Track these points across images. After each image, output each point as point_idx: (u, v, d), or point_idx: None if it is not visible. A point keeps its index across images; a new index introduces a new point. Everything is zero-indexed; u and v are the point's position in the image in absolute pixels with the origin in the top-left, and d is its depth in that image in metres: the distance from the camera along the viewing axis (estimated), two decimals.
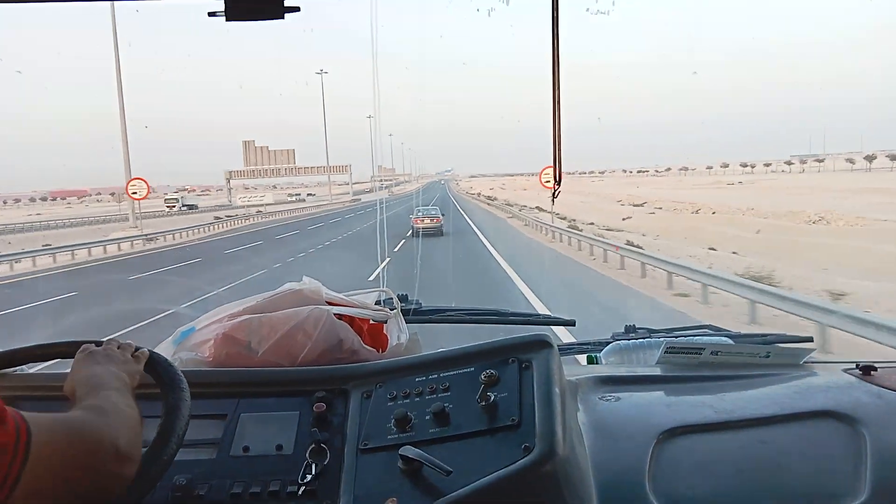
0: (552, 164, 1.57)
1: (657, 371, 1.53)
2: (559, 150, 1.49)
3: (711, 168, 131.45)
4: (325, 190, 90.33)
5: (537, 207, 40.36)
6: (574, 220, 31.08)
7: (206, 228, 37.02)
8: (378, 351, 1.45)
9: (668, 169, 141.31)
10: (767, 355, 1.54)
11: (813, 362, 1.57)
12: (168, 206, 65.92)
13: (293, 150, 76.24)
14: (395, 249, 20.89)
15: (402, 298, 1.82)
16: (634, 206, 51.58)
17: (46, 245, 26.46)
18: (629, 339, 1.77)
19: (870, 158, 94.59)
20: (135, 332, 8.51)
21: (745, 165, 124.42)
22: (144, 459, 0.97)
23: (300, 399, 1.28)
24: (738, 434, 1.23)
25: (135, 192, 29.97)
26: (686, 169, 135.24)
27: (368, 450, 1.17)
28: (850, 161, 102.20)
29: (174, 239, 31.52)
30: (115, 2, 1.42)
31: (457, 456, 1.07)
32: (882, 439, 1.18)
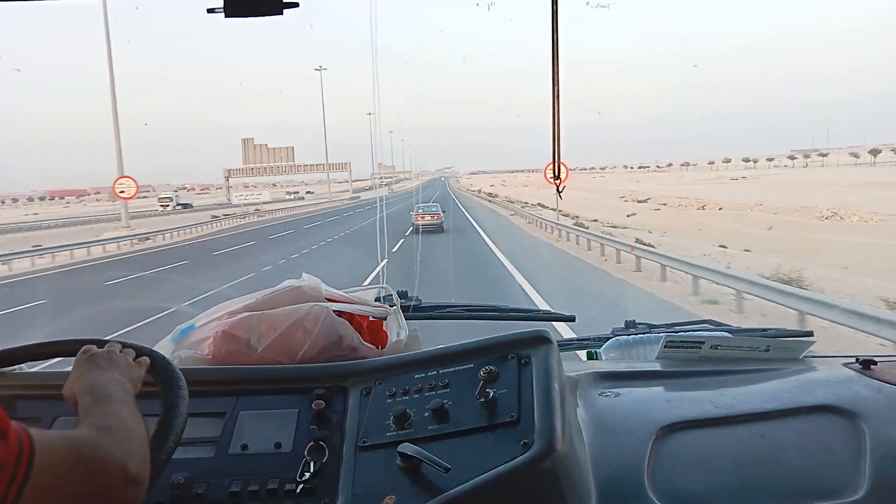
0: (559, 159, 1.52)
1: (657, 366, 1.52)
2: (558, 145, 1.48)
3: (713, 163, 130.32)
4: (324, 188, 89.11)
5: (539, 204, 39.77)
6: (577, 217, 29.91)
7: (200, 228, 36.08)
8: (378, 348, 1.44)
9: (670, 164, 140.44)
10: (767, 349, 1.52)
11: (813, 356, 1.56)
12: (162, 205, 65.07)
13: (292, 147, 75.96)
14: (394, 249, 19.76)
15: (402, 295, 1.77)
16: (638, 202, 50.74)
17: (36, 246, 25.60)
18: (629, 335, 1.74)
19: (874, 152, 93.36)
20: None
21: (747, 160, 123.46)
22: None
23: (299, 396, 1.27)
24: (738, 429, 1.23)
25: (122, 191, 28.74)
26: (687, 164, 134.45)
27: (367, 447, 1.16)
28: (855, 155, 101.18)
29: (166, 239, 30.45)
30: None
31: (456, 453, 1.07)
32: (881, 433, 1.18)
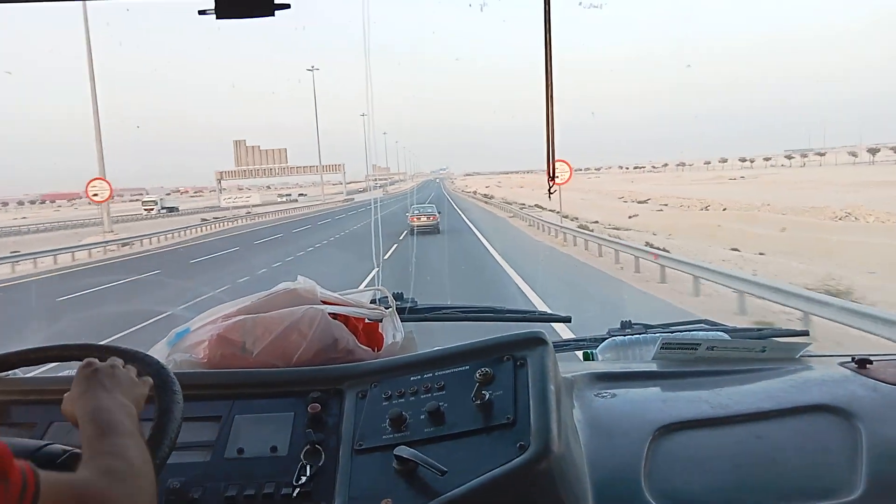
0: (555, 160, 1.54)
1: (653, 367, 1.52)
2: (552, 145, 1.48)
3: (709, 163, 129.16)
4: (319, 190, 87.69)
5: (536, 205, 38.52)
6: (576, 219, 28.55)
7: (186, 232, 34.78)
8: (373, 350, 1.44)
9: (665, 165, 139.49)
10: (763, 350, 1.53)
11: (809, 356, 1.57)
12: (146, 209, 63.55)
13: (285, 149, 75.06)
14: (386, 256, 17.93)
15: (398, 297, 1.75)
16: (638, 202, 49.37)
17: (14, 252, 24.23)
18: (625, 335, 1.75)
19: (873, 151, 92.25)
20: None
21: (743, 160, 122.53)
22: None
23: (295, 400, 1.27)
24: (734, 429, 1.23)
25: (95, 194, 26.90)
26: (683, 164, 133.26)
27: (363, 450, 1.16)
28: (853, 154, 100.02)
29: (149, 244, 29.40)
30: (103, 1, 1.44)
31: (452, 455, 1.08)
32: (877, 433, 1.18)
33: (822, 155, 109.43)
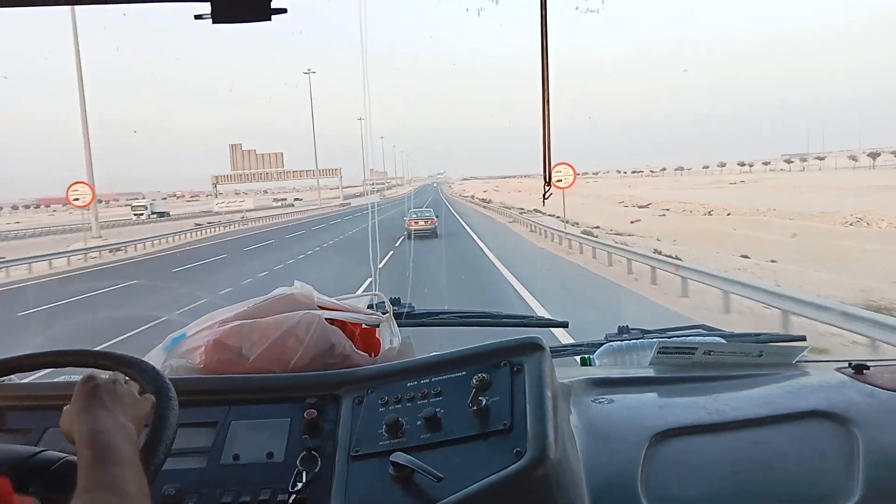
0: (551, 165, 1.50)
1: (650, 372, 1.52)
2: (549, 150, 1.47)
3: (708, 167, 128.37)
4: (315, 194, 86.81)
5: (535, 210, 38.27)
6: (577, 224, 27.42)
7: (173, 238, 33.79)
8: (370, 355, 1.44)
9: (664, 169, 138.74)
10: (760, 354, 1.53)
11: (806, 361, 1.57)
12: (135, 214, 62.08)
13: (281, 153, 75.02)
14: (381, 265, 16.67)
15: (395, 302, 1.77)
16: (639, 207, 48.28)
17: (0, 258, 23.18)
18: (622, 340, 1.75)
19: (873, 155, 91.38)
20: None
21: (742, 164, 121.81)
22: None
23: (291, 405, 1.27)
24: (731, 435, 1.23)
25: (76, 199, 25.53)
26: (682, 168, 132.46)
27: (360, 456, 1.16)
28: (853, 158, 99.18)
29: (134, 251, 28.26)
30: (100, 5, 1.37)
31: (448, 461, 1.08)
32: (874, 439, 1.19)
33: (821, 159, 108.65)
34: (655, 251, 18.15)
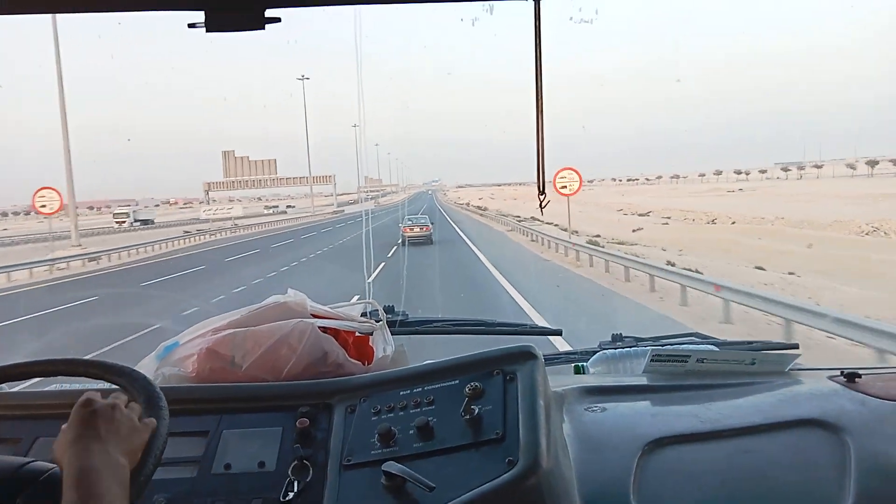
0: (545, 174, 1.52)
1: (643, 380, 1.52)
2: (542, 159, 1.48)
3: (704, 175, 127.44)
4: (309, 201, 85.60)
5: (532, 218, 36.30)
6: (576, 232, 25.96)
7: (156, 247, 32.37)
8: (364, 364, 1.44)
9: (659, 177, 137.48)
10: (753, 362, 1.53)
11: (798, 369, 1.57)
12: (117, 222, 60.58)
13: (275, 160, 74.01)
14: (370, 279, 14.84)
15: (388, 310, 1.76)
16: (640, 215, 46.86)
17: None
18: (616, 348, 1.75)
19: (872, 163, 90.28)
20: None
21: (738, 172, 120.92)
22: None
23: (284, 414, 1.27)
24: (724, 444, 1.23)
25: (43, 206, 23.72)
26: (677, 176, 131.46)
27: (352, 466, 1.16)
28: (851, 167, 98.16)
29: (108, 261, 26.75)
30: (95, 13, 1.39)
31: (441, 471, 1.08)
32: (866, 447, 1.19)
33: (819, 167, 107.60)
34: (668, 262, 16.75)
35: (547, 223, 33.08)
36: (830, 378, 1.44)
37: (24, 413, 1.30)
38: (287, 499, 1.12)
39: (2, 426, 1.29)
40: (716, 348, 1.65)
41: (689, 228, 36.58)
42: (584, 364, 1.70)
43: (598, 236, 28.59)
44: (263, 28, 1.30)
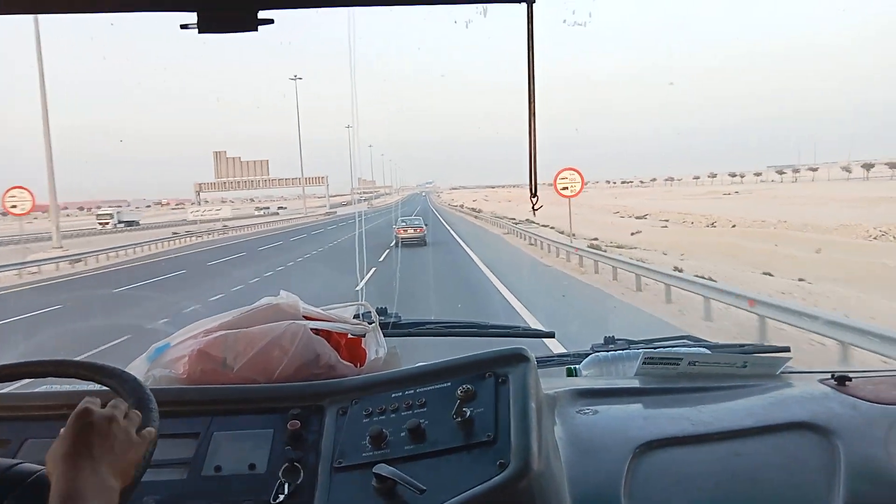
0: (537, 176, 1.52)
1: (635, 383, 1.52)
2: (535, 162, 1.48)
3: (699, 178, 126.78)
4: (302, 203, 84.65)
5: (528, 220, 35.59)
6: (573, 235, 24.83)
7: (140, 248, 31.49)
8: (356, 365, 1.44)
9: (654, 180, 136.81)
10: (745, 365, 1.53)
11: (790, 372, 1.58)
12: (101, 223, 58.47)
13: (267, 161, 72.37)
14: (358, 287, 13.66)
15: (381, 312, 1.78)
16: (637, 218, 45.90)
17: None
18: (608, 351, 1.75)
19: (867, 166, 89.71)
20: None
21: (733, 175, 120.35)
22: None
23: (275, 416, 1.27)
24: (715, 447, 1.24)
25: (14, 206, 22.50)
26: (672, 179, 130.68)
27: (342, 468, 1.16)
28: (847, 170, 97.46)
29: (96, 262, 25.97)
30: (87, 13, 1.38)
31: (432, 473, 1.08)
32: (855, 451, 1.20)
33: (814, 170, 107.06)
34: (675, 268, 15.75)
35: (543, 226, 32.38)
36: (821, 381, 1.45)
37: (13, 414, 1.30)
38: (277, 501, 1.12)
39: None
40: (708, 351, 1.65)
41: (689, 232, 35.80)
42: (577, 367, 1.70)
43: (596, 239, 27.95)
44: (256, 29, 1.29)
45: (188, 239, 39.03)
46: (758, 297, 9.21)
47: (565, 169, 19.40)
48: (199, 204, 66.09)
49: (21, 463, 1.02)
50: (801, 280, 17.49)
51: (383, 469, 1.06)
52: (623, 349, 1.73)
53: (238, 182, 69.24)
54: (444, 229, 37.61)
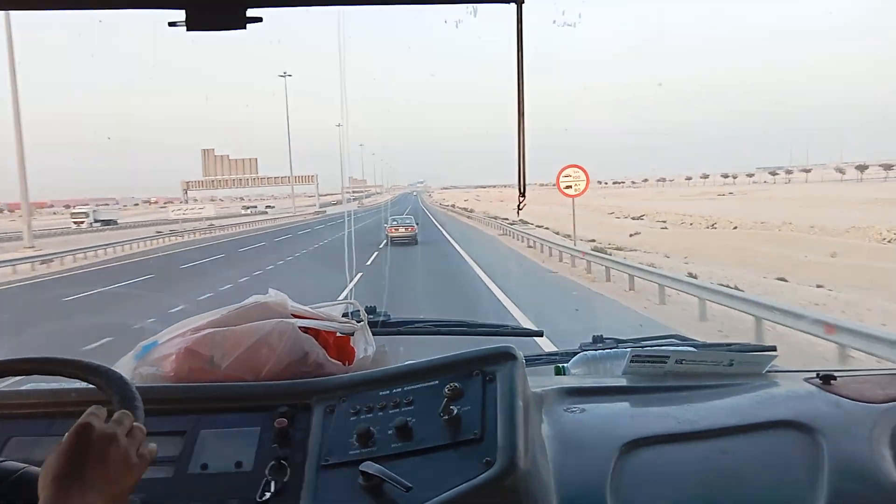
0: (525, 176, 1.48)
1: (623, 381, 1.53)
2: (524, 162, 1.47)
3: (691, 179, 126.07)
4: (291, 201, 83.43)
5: (521, 221, 33.95)
6: (569, 236, 24.11)
7: (116, 248, 30.26)
8: (344, 364, 1.44)
9: (645, 180, 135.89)
10: (731, 364, 1.54)
11: (775, 371, 1.60)
12: (76, 222, 56.80)
13: (255, 159, 72.03)
14: (341, 295, 11.96)
15: (370, 310, 1.78)
16: (633, 219, 44.60)
17: None
18: (596, 350, 1.76)
19: (861, 168, 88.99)
20: None
21: (726, 176, 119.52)
22: None
23: (262, 414, 1.27)
24: (700, 445, 1.25)
25: None
26: (663, 180, 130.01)
27: (329, 466, 1.16)
28: (840, 171, 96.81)
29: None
30: (73, 10, 1.35)
31: (418, 471, 1.08)
32: (839, 448, 1.21)
33: (807, 171, 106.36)
34: (690, 274, 14.38)
35: (538, 226, 31.24)
36: (806, 380, 1.46)
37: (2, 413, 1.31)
38: (264, 499, 1.12)
39: None
40: (695, 350, 1.65)
41: (690, 233, 34.95)
42: (565, 365, 1.70)
43: (593, 240, 26.75)
44: (245, 27, 1.29)
45: (170, 238, 38.02)
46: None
47: (569, 166, 17.83)
48: (187, 202, 64.76)
49: (4, 461, 1.03)
50: (819, 287, 16.10)
51: (370, 467, 1.06)
52: (611, 348, 1.74)
53: (226, 180, 68.62)
54: (436, 230, 36.49)
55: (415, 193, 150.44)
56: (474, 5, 1.36)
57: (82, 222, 56.10)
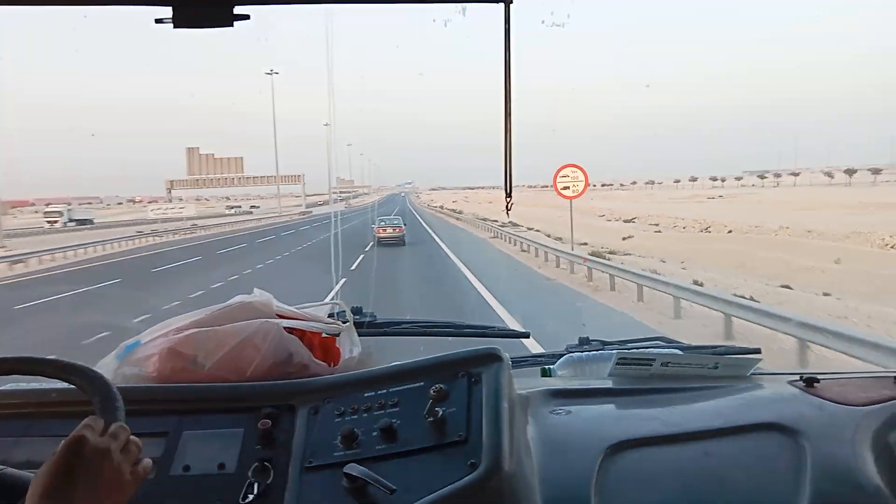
0: (512, 177, 1.49)
1: (609, 383, 1.54)
2: (510, 162, 1.48)
3: (679, 181, 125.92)
4: (277, 201, 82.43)
5: (511, 223, 33.57)
6: (560, 238, 23.27)
7: (90, 249, 29.80)
8: (330, 365, 1.44)
9: (634, 183, 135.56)
10: (716, 366, 1.56)
11: (760, 373, 1.61)
12: (49, 221, 55.26)
13: (241, 158, 71.00)
14: (326, 298, 10.93)
15: (356, 311, 1.77)
16: (624, 221, 43.98)
17: None
18: (583, 352, 1.76)
19: (850, 172, 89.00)
20: None
21: (714, 179, 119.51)
22: None
23: (245, 415, 1.26)
24: (685, 447, 1.25)
25: None
26: (652, 182, 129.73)
27: (313, 468, 1.16)
28: (829, 175, 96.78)
29: (47, 262, 24.98)
30: (61, 6, 1.37)
31: (403, 473, 1.08)
32: (822, 451, 1.22)
33: (796, 175, 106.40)
34: (695, 281, 13.72)
35: (528, 228, 30.63)
36: (790, 383, 1.47)
37: None
38: (247, 501, 1.12)
39: None
40: (680, 352, 1.67)
41: (684, 237, 34.36)
42: (551, 367, 1.71)
43: (585, 244, 25.87)
44: (232, 25, 1.29)
45: (149, 239, 37.51)
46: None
47: (566, 166, 16.91)
48: (171, 202, 63.56)
49: None
50: (826, 294, 15.32)
51: (354, 469, 1.06)
52: (597, 350, 1.75)
53: (211, 179, 67.79)
54: (426, 233, 35.81)
55: (403, 194, 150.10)
56: (463, 4, 1.36)
57: (56, 221, 54.47)
